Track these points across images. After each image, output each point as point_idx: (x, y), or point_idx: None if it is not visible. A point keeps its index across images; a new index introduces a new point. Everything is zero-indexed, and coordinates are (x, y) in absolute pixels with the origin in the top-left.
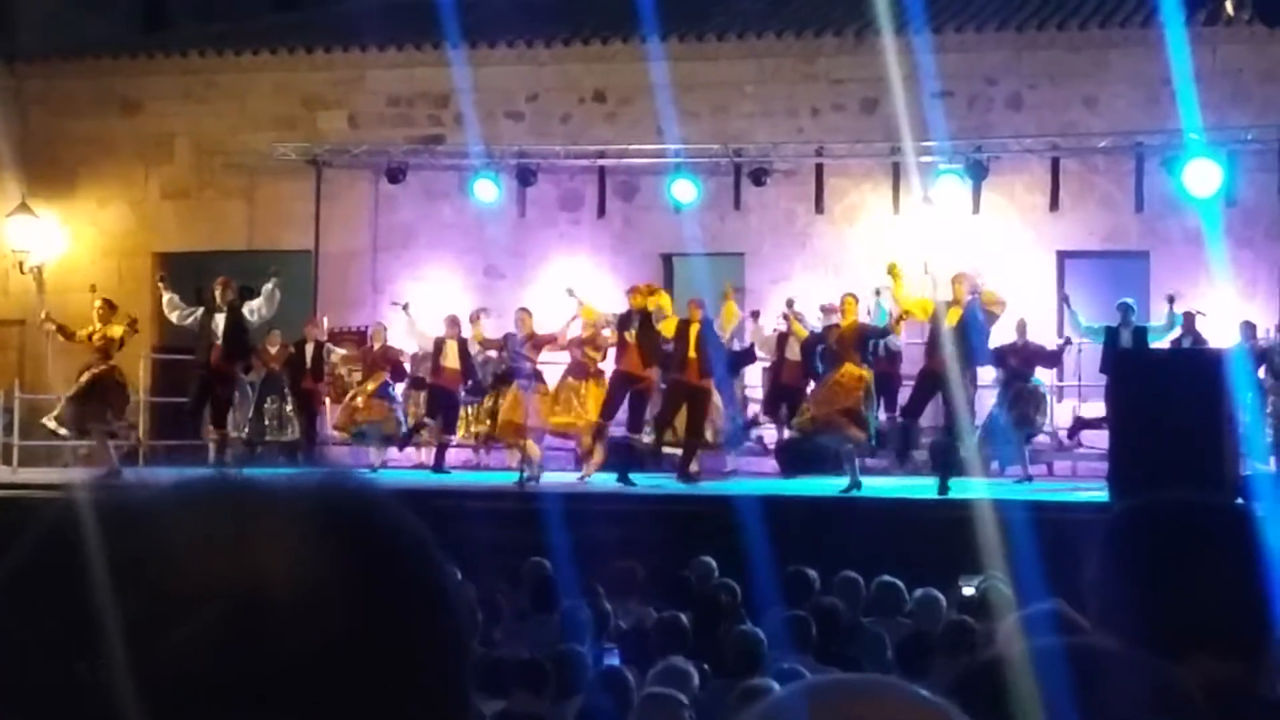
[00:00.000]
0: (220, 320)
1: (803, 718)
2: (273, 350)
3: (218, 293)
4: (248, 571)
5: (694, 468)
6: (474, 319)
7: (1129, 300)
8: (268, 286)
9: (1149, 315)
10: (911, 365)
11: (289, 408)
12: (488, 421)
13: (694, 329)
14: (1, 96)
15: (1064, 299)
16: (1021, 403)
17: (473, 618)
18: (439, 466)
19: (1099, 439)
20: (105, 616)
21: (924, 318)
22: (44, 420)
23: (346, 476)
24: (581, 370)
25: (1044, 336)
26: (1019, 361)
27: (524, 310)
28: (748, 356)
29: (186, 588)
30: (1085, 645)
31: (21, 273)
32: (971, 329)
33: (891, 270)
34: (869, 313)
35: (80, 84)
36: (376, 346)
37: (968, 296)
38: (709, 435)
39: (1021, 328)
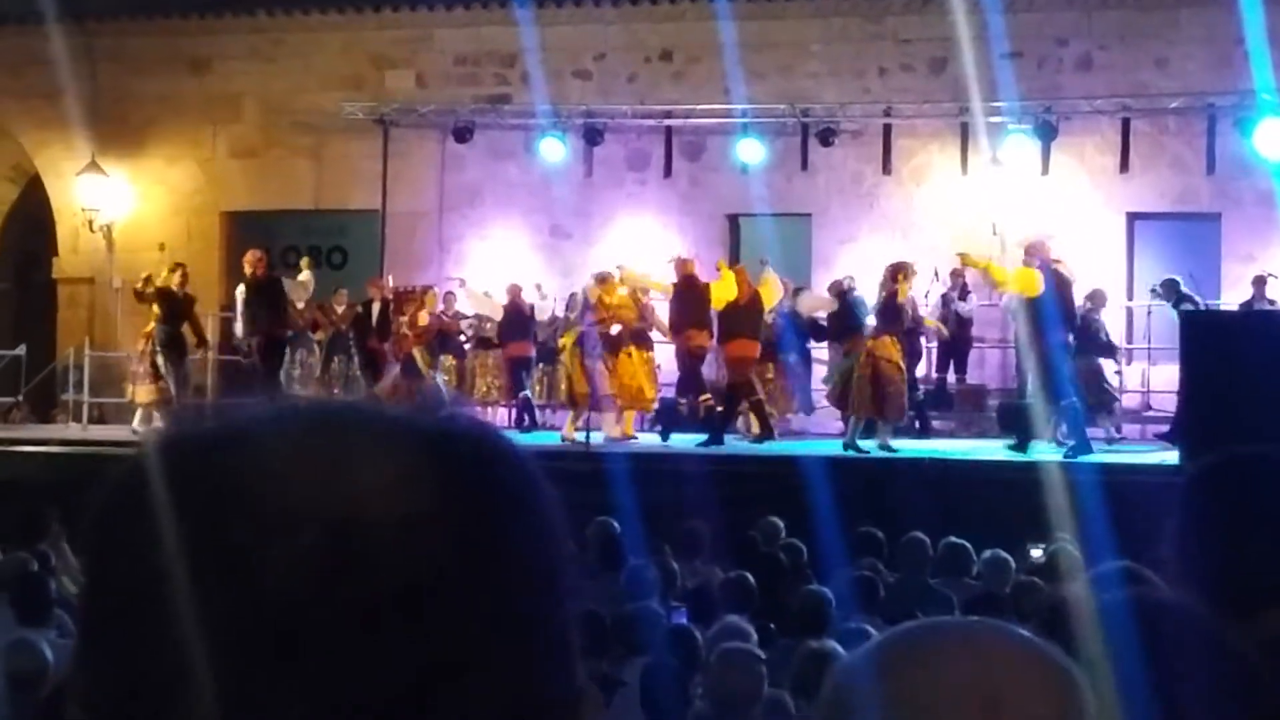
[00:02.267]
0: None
1: (874, 683)
2: (339, 310)
3: (248, 269)
4: (347, 495)
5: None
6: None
7: (1174, 277)
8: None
9: (1220, 278)
10: (981, 328)
11: (355, 367)
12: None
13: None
14: (71, 55)
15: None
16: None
17: (573, 551)
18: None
19: (1168, 402)
20: (204, 539)
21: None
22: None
23: (445, 406)
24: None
25: (1113, 299)
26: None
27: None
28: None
29: (286, 510)
30: (1149, 597)
31: (91, 231)
32: (1049, 296)
33: (965, 260)
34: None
35: (149, 43)
36: (438, 321)
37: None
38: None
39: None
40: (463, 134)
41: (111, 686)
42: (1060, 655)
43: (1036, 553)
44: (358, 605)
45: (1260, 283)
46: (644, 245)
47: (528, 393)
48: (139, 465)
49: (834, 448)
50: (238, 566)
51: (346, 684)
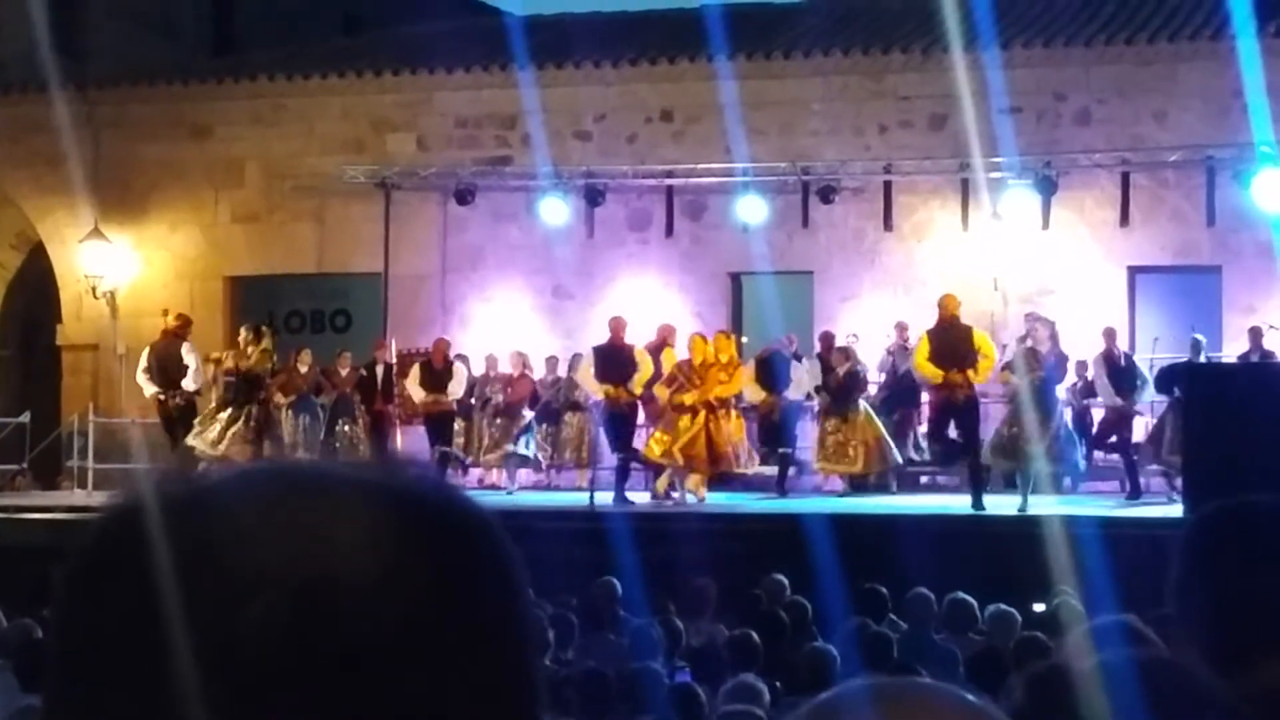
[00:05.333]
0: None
1: (860, 716)
2: (343, 373)
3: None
4: (316, 556)
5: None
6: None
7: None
8: None
9: (1221, 331)
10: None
11: (360, 430)
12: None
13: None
14: (73, 122)
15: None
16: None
17: (538, 614)
18: None
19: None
20: (174, 600)
21: None
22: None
23: (414, 466)
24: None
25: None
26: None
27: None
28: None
29: (255, 572)
30: (1143, 656)
31: (94, 297)
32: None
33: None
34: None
35: (151, 109)
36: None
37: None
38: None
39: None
40: (464, 196)
41: None
42: (1001, 716)
43: (1040, 606)
44: (326, 664)
45: (1256, 334)
46: (646, 305)
47: (448, 449)
48: (111, 527)
49: (837, 506)
50: (209, 627)
51: None
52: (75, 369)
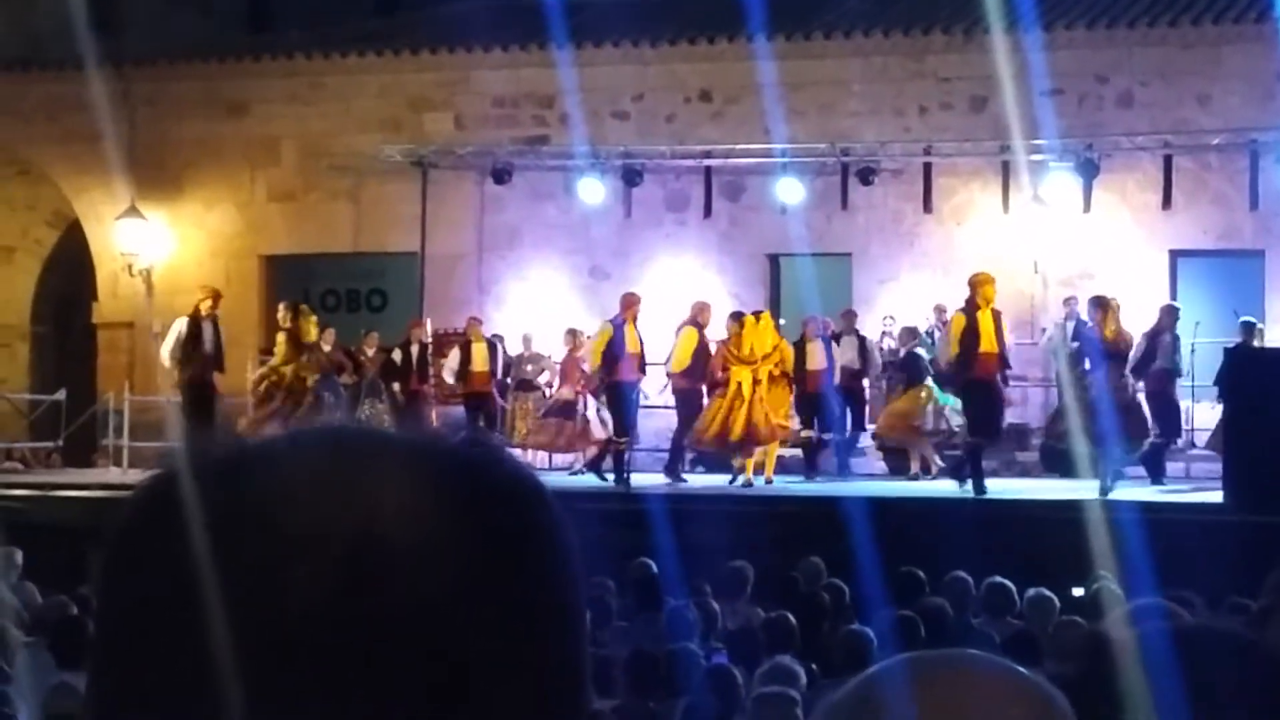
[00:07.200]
0: (208, 331)
1: (904, 687)
2: (370, 353)
3: (203, 305)
4: (364, 516)
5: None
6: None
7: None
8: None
9: (1265, 315)
10: (1022, 367)
11: (384, 408)
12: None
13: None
14: (109, 100)
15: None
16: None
17: (586, 577)
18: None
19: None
20: (221, 562)
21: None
22: None
23: (462, 429)
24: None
25: None
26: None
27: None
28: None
29: (303, 530)
30: (1189, 624)
31: (130, 275)
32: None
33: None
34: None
35: (187, 87)
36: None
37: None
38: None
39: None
40: (501, 175)
41: (129, 702)
42: (1046, 685)
43: (1079, 591)
44: (374, 626)
45: None
46: (684, 286)
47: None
48: (160, 487)
49: (873, 489)
50: (259, 584)
51: (358, 699)
52: (111, 347)
